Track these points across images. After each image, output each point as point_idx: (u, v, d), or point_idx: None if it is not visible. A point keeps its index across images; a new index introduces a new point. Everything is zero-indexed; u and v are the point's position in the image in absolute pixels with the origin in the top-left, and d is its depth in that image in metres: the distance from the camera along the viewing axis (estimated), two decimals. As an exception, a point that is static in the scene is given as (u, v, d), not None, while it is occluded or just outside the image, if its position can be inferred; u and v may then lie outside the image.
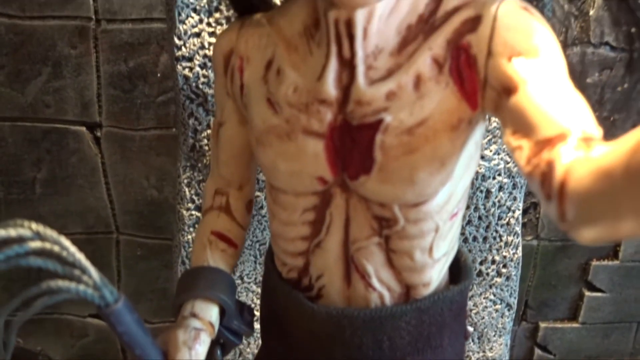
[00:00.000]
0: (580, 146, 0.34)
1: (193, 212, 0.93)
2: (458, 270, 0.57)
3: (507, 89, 0.42)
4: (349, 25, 0.45)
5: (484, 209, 0.93)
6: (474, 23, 0.44)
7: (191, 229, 0.94)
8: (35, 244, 0.40)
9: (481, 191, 0.92)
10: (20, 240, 0.39)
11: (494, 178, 0.91)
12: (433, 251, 0.50)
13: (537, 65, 0.41)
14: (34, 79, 1.13)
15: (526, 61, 0.41)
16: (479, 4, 0.45)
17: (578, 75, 1.06)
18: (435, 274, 0.52)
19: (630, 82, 0.50)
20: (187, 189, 0.91)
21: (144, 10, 1.09)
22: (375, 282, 0.51)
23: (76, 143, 1.18)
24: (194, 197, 0.92)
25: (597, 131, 0.37)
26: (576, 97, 0.39)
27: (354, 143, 0.46)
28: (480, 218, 0.94)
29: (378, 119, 0.45)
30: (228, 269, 0.58)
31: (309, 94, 0.47)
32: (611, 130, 1.15)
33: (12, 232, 0.39)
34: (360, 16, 0.44)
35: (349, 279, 0.52)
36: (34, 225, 0.39)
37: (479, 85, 0.44)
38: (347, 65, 0.46)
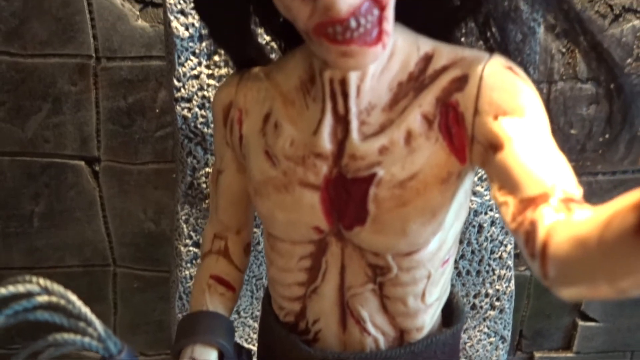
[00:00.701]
0: (561, 208, 0.36)
1: (191, 248, 0.94)
2: (450, 312, 0.59)
3: (494, 146, 0.44)
4: (343, 83, 0.47)
5: (477, 243, 0.95)
6: (461, 82, 0.47)
7: (188, 265, 0.95)
8: (43, 298, 0.41)
9: (473, 226, 0.94)
10: (29, 295, 0.41)
11: (485, 213, 0.93)
12: (426, 297, 0.52)
13: (522, 124, 0.43)
14: (34, 114, 1.15)
15: (511, 120, 0.44)
16: (466, 63, 0.47)
17: (567, 109, 1.09)
18: (428, 319, 0.54)
19: (611, 135, 0.52)
20: (184, 226, 0.93)
21: (143, 49, 1.11)
22: (370, 327, 0.53)
23: (75, 177, 1.19)
24: (191, 233, 0.93)
25: (578, 190, 0.39)
26: (558, 156, 0.42)
27: (348, 195, 0.48)
28: (473, 252, 0.96)
29: (371, 173, 0.47)
30: (227, 313, 0.59)
31: (305, 147, 0.49)
32: (599, 161, 1.18)
33: (21, 288, 0.40)
34: (353, 76, 0.47)
35: (345, 324, 0.54)
36: (41, 281, 0.41)
37: (467, 141, 0.47)
38: (342, 121, 0.48)
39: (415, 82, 0.48)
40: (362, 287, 0.52)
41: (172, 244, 0.96)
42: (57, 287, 0.41)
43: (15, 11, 1.08)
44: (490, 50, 0.51)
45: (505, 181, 0.42)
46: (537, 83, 0.55)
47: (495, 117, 0.44)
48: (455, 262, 0.94)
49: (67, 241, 1.24)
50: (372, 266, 0.51)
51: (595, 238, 0.29)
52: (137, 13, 1.10)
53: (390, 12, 0.43)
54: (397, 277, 0.50)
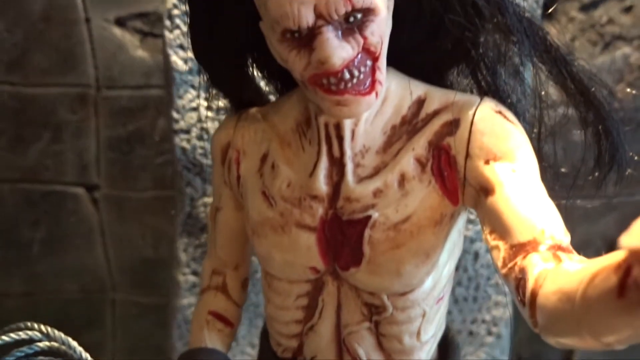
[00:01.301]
0: (549, 257, 0.38)
1: (189, 277, 0.95)
2: (446, 347, 0.59)
3: (485, 190, 0.45)
4: (338, 127, 0.49)
5: (473, 270, 0.96)
6: (452, 126, 0.48)
7: (187, 293, 0.96)
8: (44, 344, 0.42)
9: (469, 253, 0.94)
10: (30, 341, 0.42)
11: (481, 241, 0.94)
12: (421, 335, 0.53)
13: (512, 169, 0.45)
14: (35, 142, 1.16)
15: (502, 165, 0.45)
16: (457, 108, 0.49)
17: (560, 134, 1.10)
18: (423, 355, 0.54)
19: (600, 175, 0.54)
20: (183, 255, 0.94)
21: (143, 78, 1.13)
22: (366, 364, 0.54)
23: (74, 204, 1.20)
24: (189, 262, 0.94)
25: (566, 237, 0.41)
26: (547, 202, 0.43)
27: (344, 237, 0.49)
28: (469, 279, 0.96)
29: (366, 215, 0.48)
30: (225, 349, 0.60)
31: (302, 189, 0.51)
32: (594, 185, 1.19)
33: (23, 335, 0.41)
34: (348, 120, 0.48)
35: (341, 361, 0.54)
36: (43, 327, 0.42)
37: (459, 183, 0.48)
38: (337, 163, 0.50)
39: (408, 126, 0.49)
40: (358, 325, 0.52)
41: (171, 273, 0.96)
42: (58, 333, 0.42)
43: (17, 42, 1.10)
44: (481, 89, 0.53)
45: (496, 226, 0.43)
46: (529, 119, 0.56)
47: (487, 162, 0.46)
48: (452, 289, 0.94)
49: (66, 267, 1.24)
50: (367, 305, 0.52)
51: (580, 294, 0.30)
52: (137, 43, 1.11)
53: (382, 62, 0.45)
54: (393, 316, 0.51)
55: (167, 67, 0.85)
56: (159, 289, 1.24)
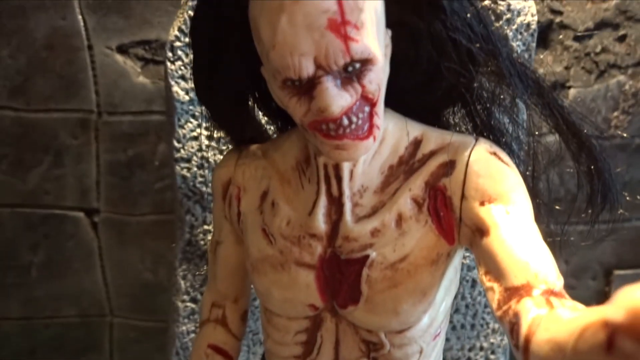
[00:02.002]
0: (542, 303, 0.39)
1: (188, 304, 0.95)
2: (443, 381, 0.60)
3: (480, 231, 0.46)
4: (337, 168, 0.50)
5: (471, 297, 0.96)
6: (448, 167, 0.49)
7: (185, 320, 0.96)
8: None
9: (467, 281, 0.95)
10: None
11: (478, 268, 0.95)
12: (418, 371, 0.53)
13: (506, 211, 0.46)
14: (36, 167, 1.17)
15: (497, 207, 0.46)
16: (453, 149, 0.50)
17: (556, 162, 1.12)
18: (421, 391, 0.55)
19: (593, 214, 0.55)
20: (182, 282, 0.94)
21: (144, 104, 1.14)
22: (364, 400, 0.54)
23: (74, 228, 1.21)
24: (189, 289, 0.95)
25: (559, 281, 0.41)
26: (540, 244, 0.44)
27: (342, 275, 0.50)
28: (467, 306, 0.97)
29: (364, 255, 0.49)
30: (224, 383, 0.60)
31: (301, 228, 0.51)
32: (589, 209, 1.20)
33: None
34: (346, 162, 0.49)
35: (340, 397, 0.55)
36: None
37: (455, 223, 0.49)
38: (336, 202, 0.51)
39: (405, 166, 0.51)
40: (356, 362, 0.53)
41: (170, 300, 0.97)
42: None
43: (20, 68, 1.12)
44: (476, 127, 0.54)
45: (491, 267, 0.44)
46: (523, 164, 0.57)
47: (482, 203, 0.47)
48: (450, 316, 0.95)
49: (65, 291, 1.24)
50: (365, 342, 0.52)
51: (571, 346, 0.30)
52: (139, 70, 1.13)
53: (380, 107, 0.46)
54: (390, 353, 0.52)
55: (168, 97, 0.86)
56: (157, 313, 1.24)
